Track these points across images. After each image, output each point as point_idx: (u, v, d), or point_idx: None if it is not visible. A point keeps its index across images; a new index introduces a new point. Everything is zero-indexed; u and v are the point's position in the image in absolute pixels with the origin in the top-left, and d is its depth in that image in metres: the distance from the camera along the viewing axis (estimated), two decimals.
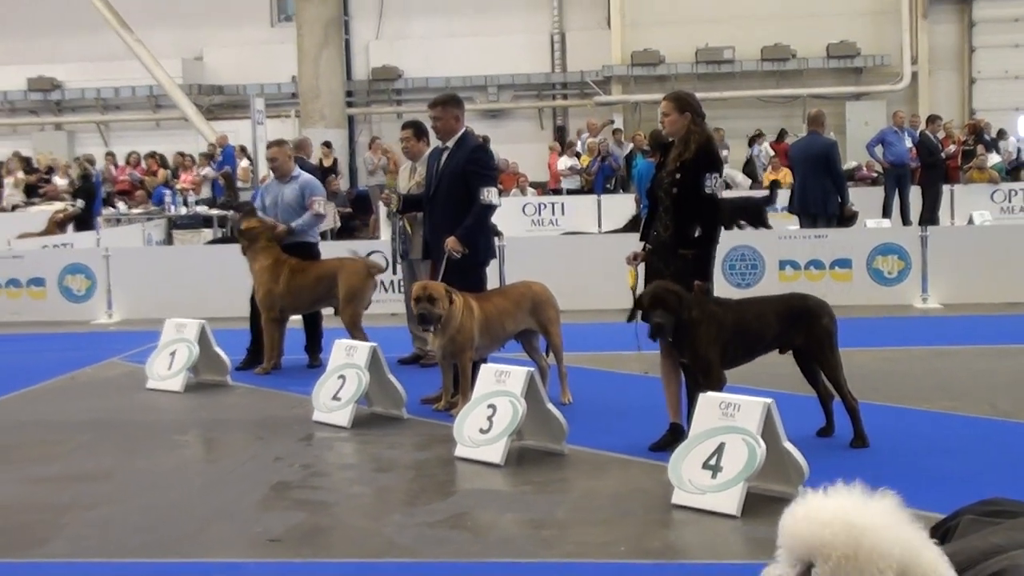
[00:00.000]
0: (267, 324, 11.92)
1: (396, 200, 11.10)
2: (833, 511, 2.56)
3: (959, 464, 7.85)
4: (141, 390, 11.29)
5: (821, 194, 16.12)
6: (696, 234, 8.49)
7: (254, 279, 11.99)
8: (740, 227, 19.13)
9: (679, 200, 8.51)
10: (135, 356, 12.89)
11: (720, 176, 8.56)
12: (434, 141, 11.02)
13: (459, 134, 10.39)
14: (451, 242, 9.94)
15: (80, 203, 23.64)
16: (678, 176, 8.52)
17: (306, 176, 12.62)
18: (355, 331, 11.66)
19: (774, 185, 22.05)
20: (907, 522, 2.55)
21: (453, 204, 10.16)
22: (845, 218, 16.27)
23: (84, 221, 23.27)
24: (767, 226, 19.66)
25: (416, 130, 11.97)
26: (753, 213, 20.12)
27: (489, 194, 10.13)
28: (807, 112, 18.00)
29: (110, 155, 31.32)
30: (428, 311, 9.45)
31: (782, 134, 29.49)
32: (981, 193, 24.57)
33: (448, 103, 10.45)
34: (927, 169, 23.27)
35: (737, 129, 30.15)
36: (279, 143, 12.79)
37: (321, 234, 15.95)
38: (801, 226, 16.50)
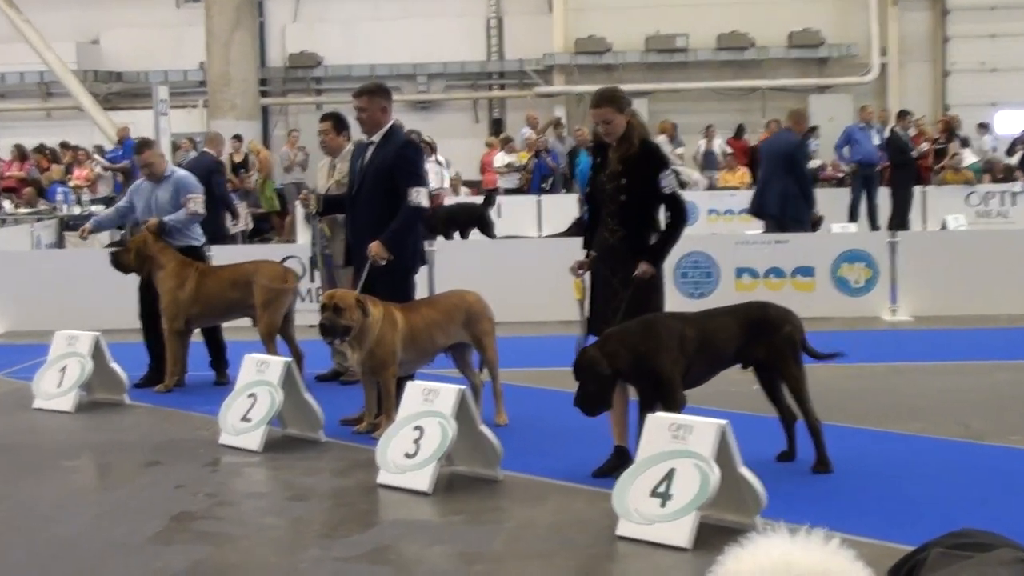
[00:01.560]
0: (170, 336, 11.81)
1: (315, 201, 11.03)
2: (773, 559, 2.56)
3: (929, 490, 7.92)
4: (27, 410, 11.16)
5: (780, 196, 16.26)
6: (652, 240, 8.57)
7: (158, 288, 11.87)
8: (449, 237, 19.69)
9: (629, 203, 8.55)
10: (20, 372, 12.74)
11: (670, 170, 8.64)
12: (356, 134, 10.99)
13: (386, 127, 10.34)
14: (375, 247, 9.87)
15: None
16: (623, 181, 8.57)
17: (180, 173, 12.52)
18: (269, 343, 11.60)
19: (490, 193, 22.89)
20: (851, 561, 2.56)
21: (377, 205, 10.11)
22: (810, 223, 16.43)
23: None
24: (491, 235, 20.35)
25: (336, 122, 11.94)
26: (469, 221, 20.78)
27: (418, 195, 10.08)
28: (790, 109, 18.13)
29: None
30: (331, 322, 9.43)
31: (740, 130, 29.71)
32: (955, 195, 24.85)
33: (375, 93, 10.39)
34: (897, 169, 23.51)
35: (691, 124, 30.31)
36: (147, 144, 12.73)
37: (231, 237, 15.84)
38: (765, 230, 16.64)
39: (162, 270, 11.80)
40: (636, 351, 8.05)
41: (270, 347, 11.49)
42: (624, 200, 8.59)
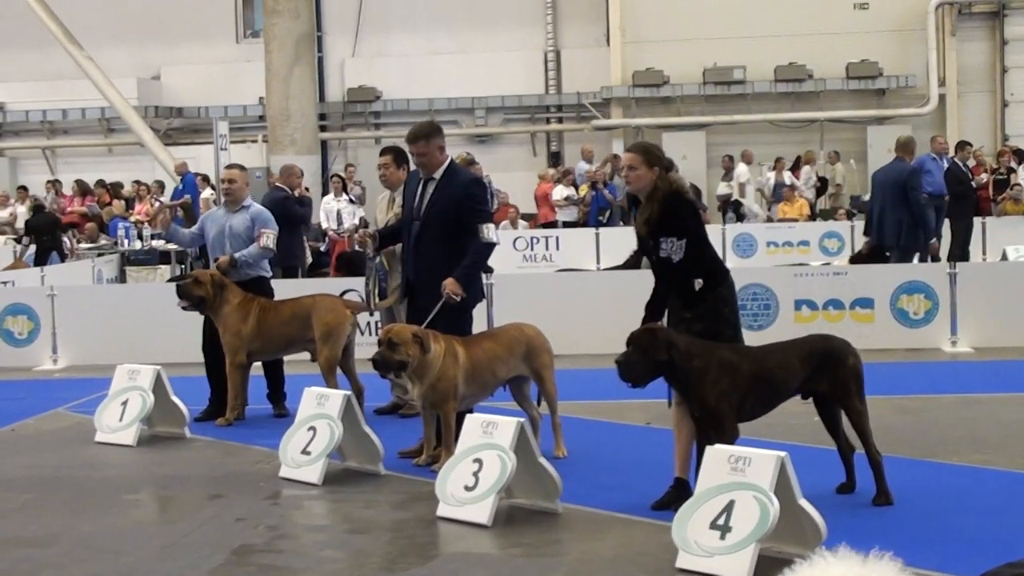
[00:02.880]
0: (232, 370, 11.90)
1: (372, 242, 11.01)
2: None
3: (990, 523, 7.85)
4: (89, 443, 11.25)
5: (896, 225, 16.41)
6: (697, 287, 8.51)
7: (219, 324, 11.94)
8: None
9: (665, 264, 8.54)
10: (83, 406, 12.86)
11: (677, 240, 8.45)
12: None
13: (445, 165, 10.32)
14: (451, 285, 9.82)
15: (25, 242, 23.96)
16: (651, 242, 8.57)
17: (257, 206, 12.65)
18: (330, 376, 11.66)
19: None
20: None
21: (445, 243, 10.07)
22: (928, 253, 16.52)
23: (41, 258, 23.58)
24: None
25: (396, 156, 12.02)
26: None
27: (489, 231, 10.09)
28: (899, 138, 18.10)
29: (54, 183, 31.27)
30: (383, 357, 9.47)
31: (796, 162, 29.66)
32: (1016, 226, 24.63)
33: (431, 136, 10.25)
34: (956, 200, 23.30)
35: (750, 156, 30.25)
36: (240, 167, 12.88)
37: (291, 270, 15.96)
38: (872, 260, 16.74)
39: (226, 305, 11.88)
40: (691, 362, 8.04)
41: (330, 380, 11.55)
42: (662, 261, 8.57)
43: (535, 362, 10.13)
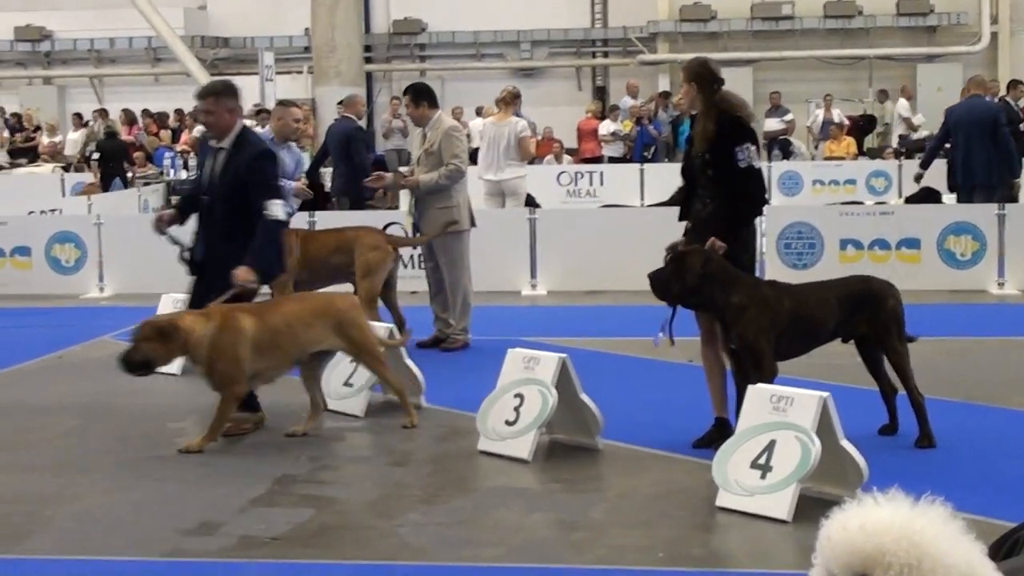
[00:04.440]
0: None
1: (163, 223, 9.80)
2: (890, 519, 2.56)
3: None
4: None
5: (986, 165, 16.27)
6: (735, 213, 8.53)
7: None
8: None
9: (715, 177, 8.51)
10: (129, 334, 12.91)
11: (753, 145, 8.54)
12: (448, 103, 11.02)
13: (236, 132, 9.36)
14: (242, 273, 8.89)
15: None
16: (707, 156, 8.53)
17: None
18: (369, 309, 11.66)
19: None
20: (963, 533, 2.55)
21: (232, 218, 9.21)
22: (1012, 193, 16.41)
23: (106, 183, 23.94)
24: None
25: (414, 95, 12.16)
26: None
27: (275, 208, 9.20)
28: (969, 78, 18.02)
29: (101, 111, 31.41)
30: (126, 359, 8.69)
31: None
32: None
33: (221, 93, 9.40)
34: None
35: (796, 93, 30.04)
36: (285, 103, 12.99)
37: (359, 200, 16.12)
38: (959, 201, 16.58)
39: None
40: (730, 296, 8.01)
41: (370, 313, 11.55)
42: (711, 174, 8.54)
43: (346, 337, 9.08)
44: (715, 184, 8.52)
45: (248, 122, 12.50)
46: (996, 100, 23.18)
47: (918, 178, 17.79)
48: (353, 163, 16.39)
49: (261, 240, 9.07)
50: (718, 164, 8.48)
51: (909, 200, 18.68)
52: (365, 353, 9.14)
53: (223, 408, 8.71)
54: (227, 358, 8.60)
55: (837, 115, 28.59)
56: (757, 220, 8.82)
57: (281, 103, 13.08)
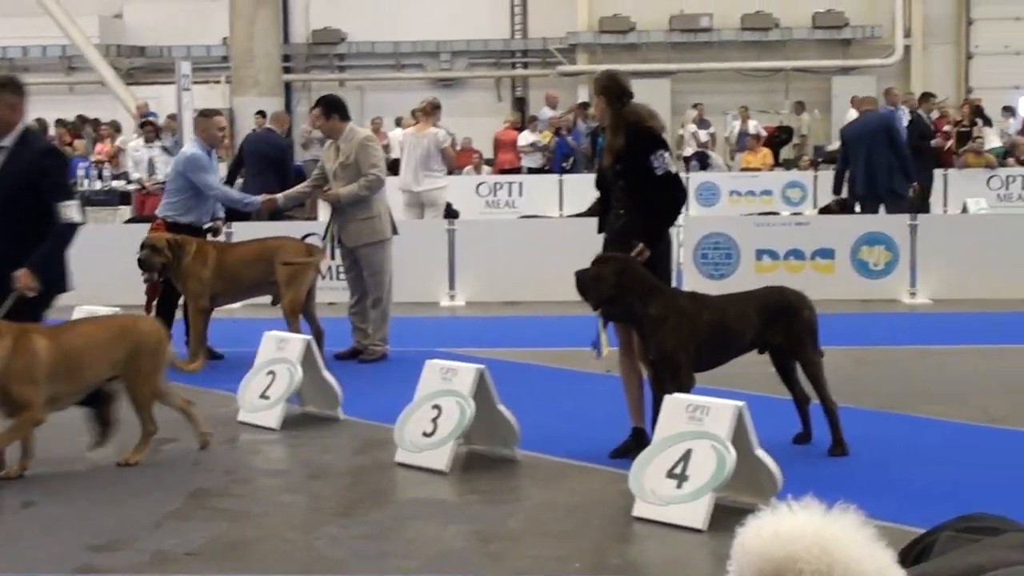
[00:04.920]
0: (195, 315, 11.80)
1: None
2: (803, 526, 2.59)
3: (947, 475, 7.92)
4: None
5: (887, 172, 16.49)
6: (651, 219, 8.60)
7: (181, 277, 11.77)
8: None
9: (628, 188, 8.56)
10: None
11: (666, 151, 8.60)
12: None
13: (19, 130, 8.81)
14: (23, 276, 8.39)
15: None
16: (618, 167, 8.58)
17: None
18: (293, 320, 11.61)
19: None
20: (875, 540, 2.58)
21: (15, 222, 8.62)
22: (917, 198, 16.63)
23: None
24: None
25: (324, 107, 12.18)
26: None
27: (70, 209, 8.64)
28: (852, 97, 18.40)
29: None
30: None
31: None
32: (977, 179, 24.69)
33: (4, 87, 8.86)
34: (918, 153, 23.37)
35: (715, 104, 30.26)
36: (206, 113, 12.89)
37: (249, 215, 15.96)
38: (863, 211, 16.75)
39: (185, 257, 11.64)
40: (649, 307, 8.05)
41: (293, 324, 11.48)
42: (623, 185, 8.60)
43: (134, 362, 8.42)
44: (628, 195, 8.57)
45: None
46: (909, 112, 23.62)
47: (837, 203, 17.96)
48: (283, 175, 16.52)
49: (51, 244, 8.61)
50: (629, 175, 8.54)
51: (823, 211, 18.88)
52: (143, 384, 8.43)
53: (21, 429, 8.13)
54: (22, 380, 7.96)
55: (754, 126, 28.88)
56: (674, 231, 8.90)
57: (203, 113, 12.98)
